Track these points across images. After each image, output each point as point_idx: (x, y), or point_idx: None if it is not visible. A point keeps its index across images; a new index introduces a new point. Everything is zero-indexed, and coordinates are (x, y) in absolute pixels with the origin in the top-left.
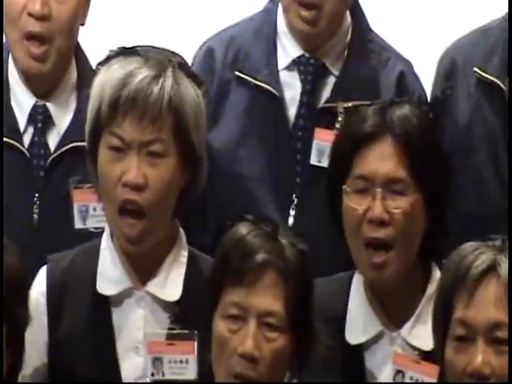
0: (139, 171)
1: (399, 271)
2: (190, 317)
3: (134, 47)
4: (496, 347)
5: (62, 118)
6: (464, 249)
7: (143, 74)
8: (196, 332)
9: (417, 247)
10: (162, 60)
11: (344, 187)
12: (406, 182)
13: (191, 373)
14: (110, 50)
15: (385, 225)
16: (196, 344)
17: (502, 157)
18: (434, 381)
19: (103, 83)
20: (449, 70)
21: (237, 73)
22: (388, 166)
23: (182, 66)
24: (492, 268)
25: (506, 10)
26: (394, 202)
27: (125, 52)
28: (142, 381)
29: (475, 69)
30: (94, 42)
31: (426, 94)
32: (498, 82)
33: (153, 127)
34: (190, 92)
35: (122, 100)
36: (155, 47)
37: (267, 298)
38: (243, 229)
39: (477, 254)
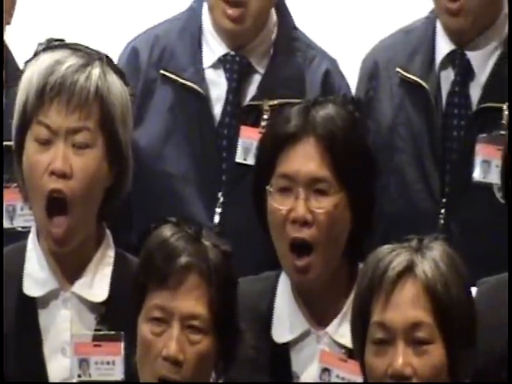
0: (65, 160)
1: (323, 273)
2: (117, 318)
3: (63, 40)
4: (416, 348)
5: None
6: (380, 251)
7: (71, 62)
8: (122, 333)
9: (342, 247)
10: (90, 52)
11: (267, 187)
12: (329, 182)
13: (118, 374)
14: (39, 43)
15: (308, 225)
16: (123, 345)
17: (426, 156)
18: (360, 379)
19: (31, 74)
20: (371, 71)
21: (162, 71)
22: (311, 165)
23: (110, 61)
24: (408, 269)
25: (428, 10)
26: (317, 201)
27: (53, 45)
28: (69, 382)
29: (398, 69)
30: (18, 40)
31: (351, 92)
32: (421, 81)
33: (79, 115)
34: (117, 85)
35: (49, 87)
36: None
37: (190, 301)
38: (166, 231)
39: (393, 255)
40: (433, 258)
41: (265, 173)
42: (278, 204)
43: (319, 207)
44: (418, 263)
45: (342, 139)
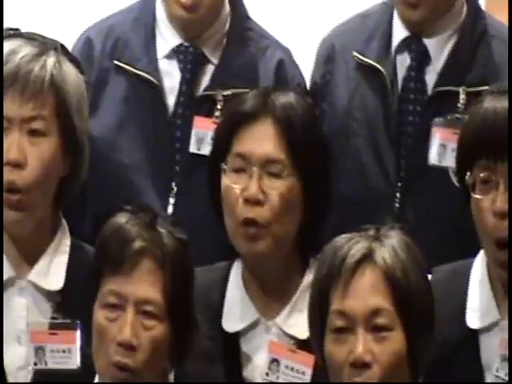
0: (19, 148)
1: (272, 249)
2: (73, 306)
3: (17, 29)
4: (376, 334)
5: None
6: (338, 240)
7: (25, 51)
8: (78, 322)
9: (292, 233)
10: (45, 42)
11: (222, 165)
12: (283, 164)
13: (74, 362)
14: None
15: (260, 204)
16: (79, 334)
17: (382, 140)
18: (309, 369)
19: None
20: (328, 55)
21: (116, 62)
22: (266, 146)
23: (65, 50)
24: (367, 256)
25: None
26: (270, 182)
27: (8, 34)
28: (25, 370)
29: (354, 53)
30: None
31: (305, 82)
32: (377, 65)
33: (34, 103)
34: (73, 74)
35: (4, 77)
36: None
37: (144, 286)
38: (122, 218)
39: (351, 243)
40: (391, 245)
41: (221, 152)
42: (232, 182)
43: (272, 188)
44: (376, 250)
45: (299, 125)
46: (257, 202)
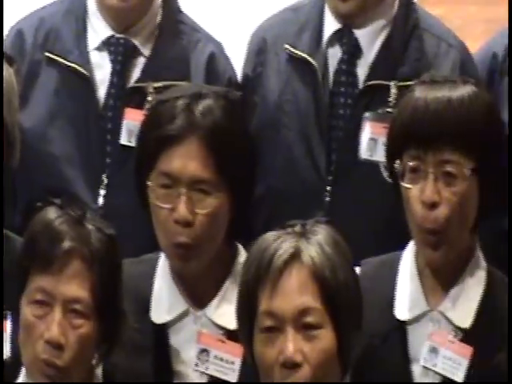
0: None
1: (204, 262)
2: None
3: None
4: (306, 333)
5: None
6: (264, 239)
7: None
8: (9, 312)
9: (220, 242)
10: None
11: (148, 183)
12: (211, 183)
13: (5, 353)
14: None
15: (190, 225)
16: (9, 324)
17: (312, 134)
18: (238, 359)
19: None
20: (259, 47)
21: (47, 54)
22: (193, 165)
23: None
24: (295, 256)
25: None
26: (199, 202)
27: None
28: None
29: (285, 45)
30: None
31: (236, 75)
32: (308, 58)
33: None
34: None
35: None
36: None
37: (73, 286)
38: (51, 213)
39: (278, 243)
40: (318, 242)
41: (146, 168)
42: (160, 202)
43: (201, 207)
44: (303, 249)
45: (223, 136)
46: (187, 224)
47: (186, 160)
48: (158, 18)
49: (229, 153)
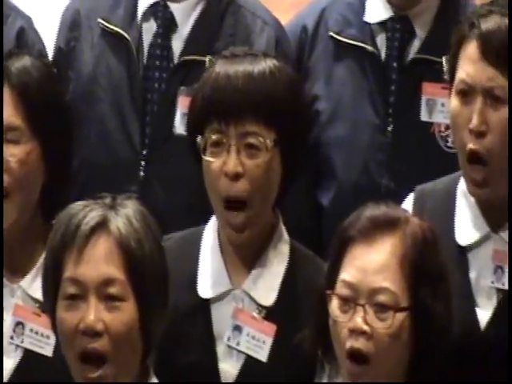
0: None
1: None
2: None
3: None
4: (108, 303)
5: None
6: (73, 207)
7: None
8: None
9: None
10: None
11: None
12: (21, 130)
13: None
14: None
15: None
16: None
17: (127, 107)
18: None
19: None
20: (72, 20)
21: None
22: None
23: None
24: (102, 224)
25: None
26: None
27: None
28: None
29: (99, 20)
30: None
31: (45, 48)
32: (122, 32)
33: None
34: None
35: None
36: None
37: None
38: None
39: (86, 211)
40: (126, 214)
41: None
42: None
43: (11, 154)
44: (111, 219)
45: (36, 89)
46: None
47: None
48: None
49: (39, 102)
